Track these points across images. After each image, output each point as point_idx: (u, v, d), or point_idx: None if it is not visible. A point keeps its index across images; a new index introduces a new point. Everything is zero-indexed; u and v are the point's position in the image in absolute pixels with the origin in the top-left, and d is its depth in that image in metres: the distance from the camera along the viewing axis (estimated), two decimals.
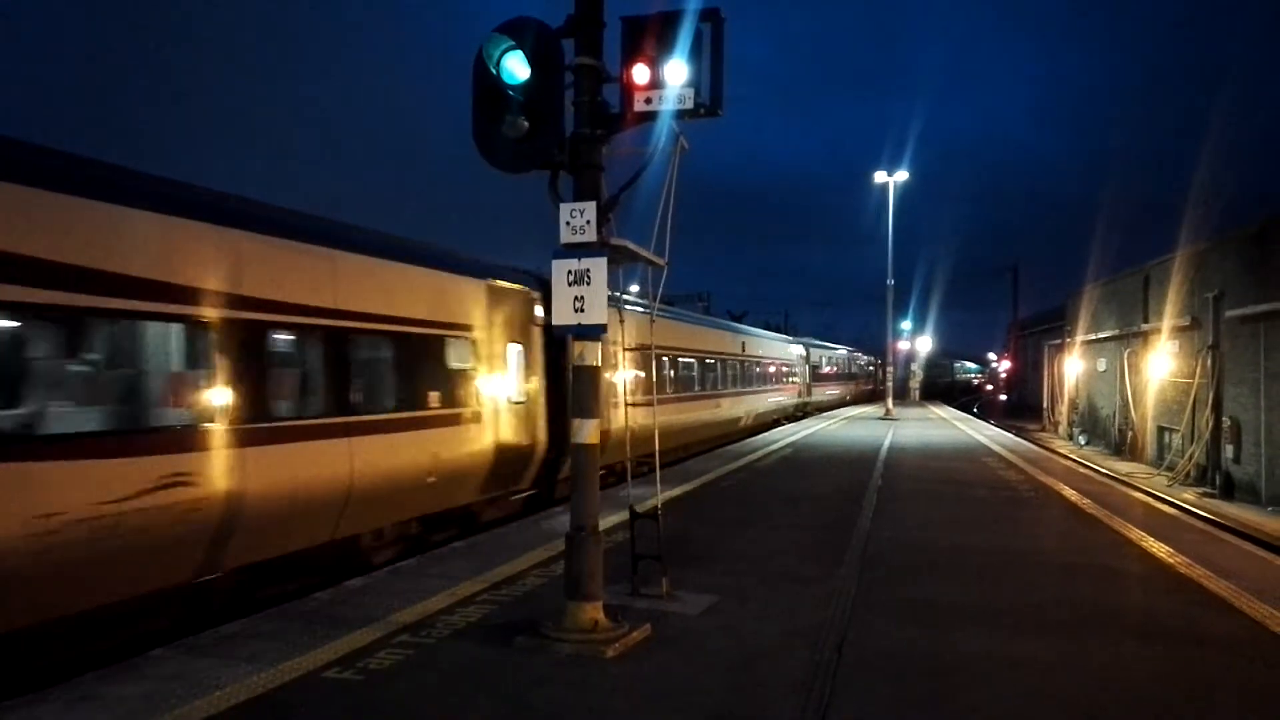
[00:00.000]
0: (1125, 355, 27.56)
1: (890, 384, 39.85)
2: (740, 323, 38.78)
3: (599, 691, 5.20)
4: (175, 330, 7.17)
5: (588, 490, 6.19)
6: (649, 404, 12.02)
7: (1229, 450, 19.26)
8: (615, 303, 7.07)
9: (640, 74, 6.01)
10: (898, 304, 43.30)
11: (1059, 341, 38.08)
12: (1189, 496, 18.88)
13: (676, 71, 5.95)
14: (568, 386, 7.00)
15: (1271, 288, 17.30)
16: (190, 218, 7.28)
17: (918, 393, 58.49)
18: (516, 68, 5.80)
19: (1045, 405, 41.61)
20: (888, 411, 36.85)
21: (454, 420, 10.60)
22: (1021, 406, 52.07)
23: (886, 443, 22.88)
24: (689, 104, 5.99)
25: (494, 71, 5.82)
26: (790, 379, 37.12)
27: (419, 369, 10.16)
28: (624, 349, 15.76)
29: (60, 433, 6.10)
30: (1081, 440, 31.93)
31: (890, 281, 39.30)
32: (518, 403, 12.04)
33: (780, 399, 34.49)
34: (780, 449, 21.13)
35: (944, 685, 5.35)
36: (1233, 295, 19.38)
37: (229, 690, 5.12)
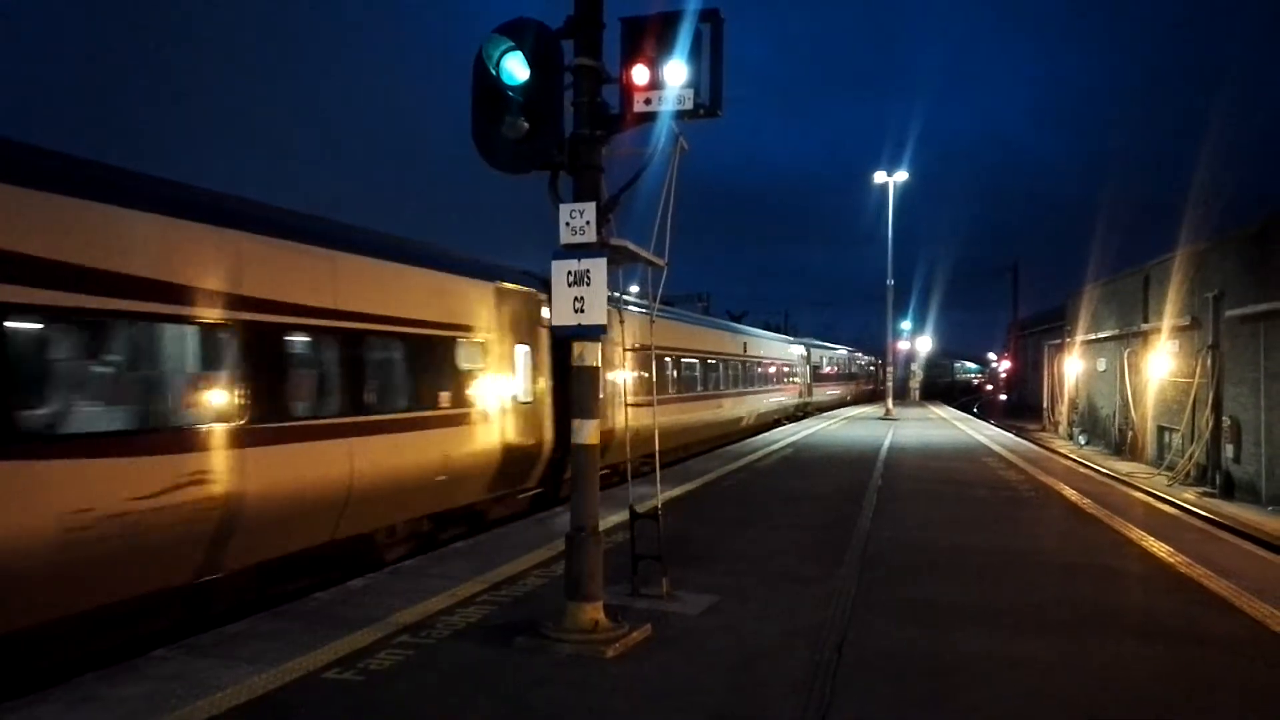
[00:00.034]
0: (1125, 355, 27.56)
1: (890, 384, 39.86)
2: (740, 323, 38.81)
3: (599, 692, 5.20)
4: (228, 336, 7.44)
5: (588, 490, 6.19)
6: (649, 404, 12.04)
7: (1229, 450, 19.26)
8: (616, 303, 7.07)
9: (640, 75, 6.01)
10: (897, 304, 43.33)
11: (1059, 341, 38.08)
12: (1189, 496, 18.89)
13: (676, 72, 5.95)
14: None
15: (1272, 287, 17.31)
16: (241, 229, 7.73)
17: (918, 393, 58.50)
18: (516, 68, 5.80)
19: (1045, 405, 41.62)
20: (888, 411, 36.85)
21: (465, 420, 10.77)
22: (1021, 406, 52.07)
23: (886, 443, 22.88)
24: (688, 105, 5.99)
25: (494, 72, 5.82)
26: (791, 379, 37.16)
27: (432, 370, 10.34)
28: (625, 349, 15.78)
29: (86, 432, 6.28)
30: (1081, 440, 31.94)
31: (890, 281, 39.35)
32: (525, 403, 12.18)
33: (782, 399, 34.54)
34: (781, 449, 21.14)
35: (944, 685, 5.35)
36: (1233, 295, 19.38)
37: (230, 691, 5.12)
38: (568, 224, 5.95)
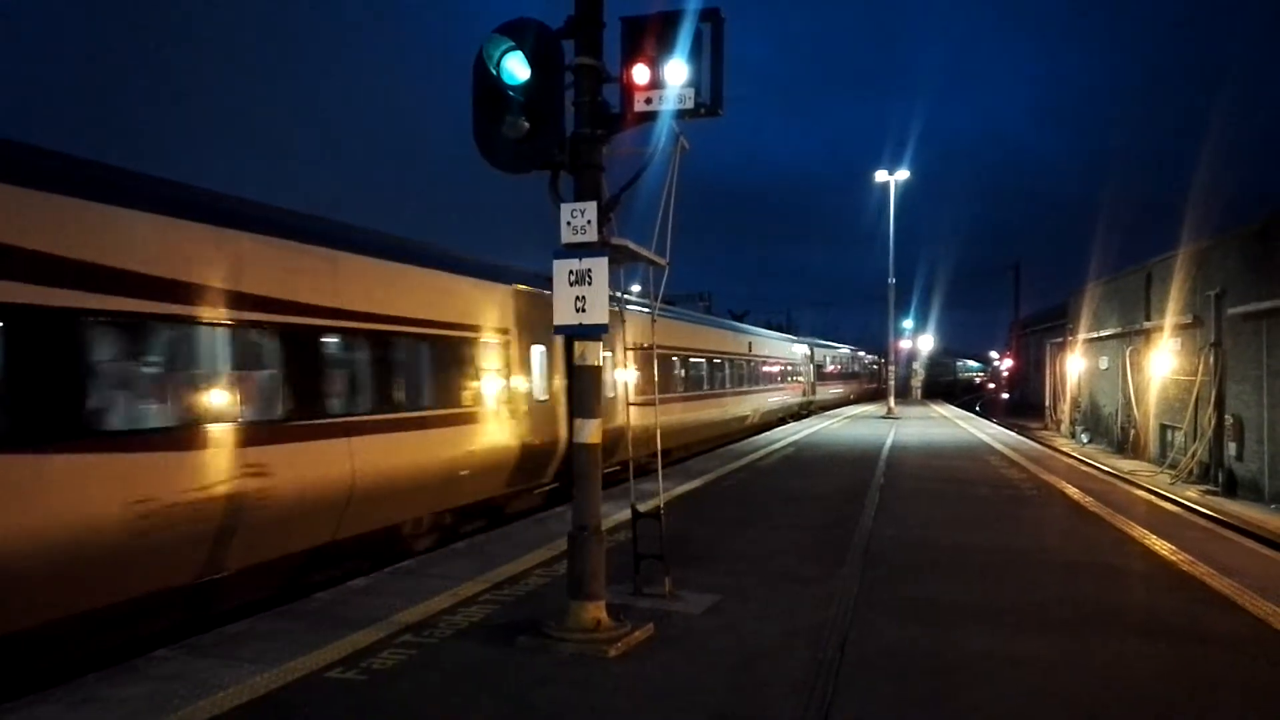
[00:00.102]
0: (1127, 353, 27.52)
1: (892, 383, 39.85)
2: (742, 322, 38.84)
3: (601, 691, 5.21)
4: (289, 339, 8.00)
5: (590, 489, 6.19)
6: (651, 403, 12.09)
7: (1232, 448, 19.24)
8: (619, 303, 7.07)
9: (640, 74, 6.01)
10: (899, 303, 43.40)
11: (1061, 340, 38.04)
12: (1191, 494, 18.86)
13: (676, 71, 5.95)
14: None
15: (1274, 285, 17.28)
16: (293, 239, 8.28)
17: (920, 391, 58.52)
18: (517, 68, 5.80)
19: (1047, 403, 41.57)
20: (890, 410, 36.84)
21: (488, 417, 11.24)
22: (1024, 405, 52.01)
23: (889, 441, 22.87)
24: (689, 104, 5.99)
25: (494, 72, 5.82)
26: (795, 378, 37.21)
27: (458, 369, 10.80)
28: (629, 349, 15.82)
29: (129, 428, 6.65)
30: (1084, 438, 31.90)
31: (892, 280, 39.37)
32: (541, 401, 12.63)
33: (786, 398, 34.64)
34: (782, 448, 21.13)
35: (946, 684, 5.35)
36: (1235, 293, 19.35)
37: (232, 690, 5.13)
38: (569, 223, 5.95)
